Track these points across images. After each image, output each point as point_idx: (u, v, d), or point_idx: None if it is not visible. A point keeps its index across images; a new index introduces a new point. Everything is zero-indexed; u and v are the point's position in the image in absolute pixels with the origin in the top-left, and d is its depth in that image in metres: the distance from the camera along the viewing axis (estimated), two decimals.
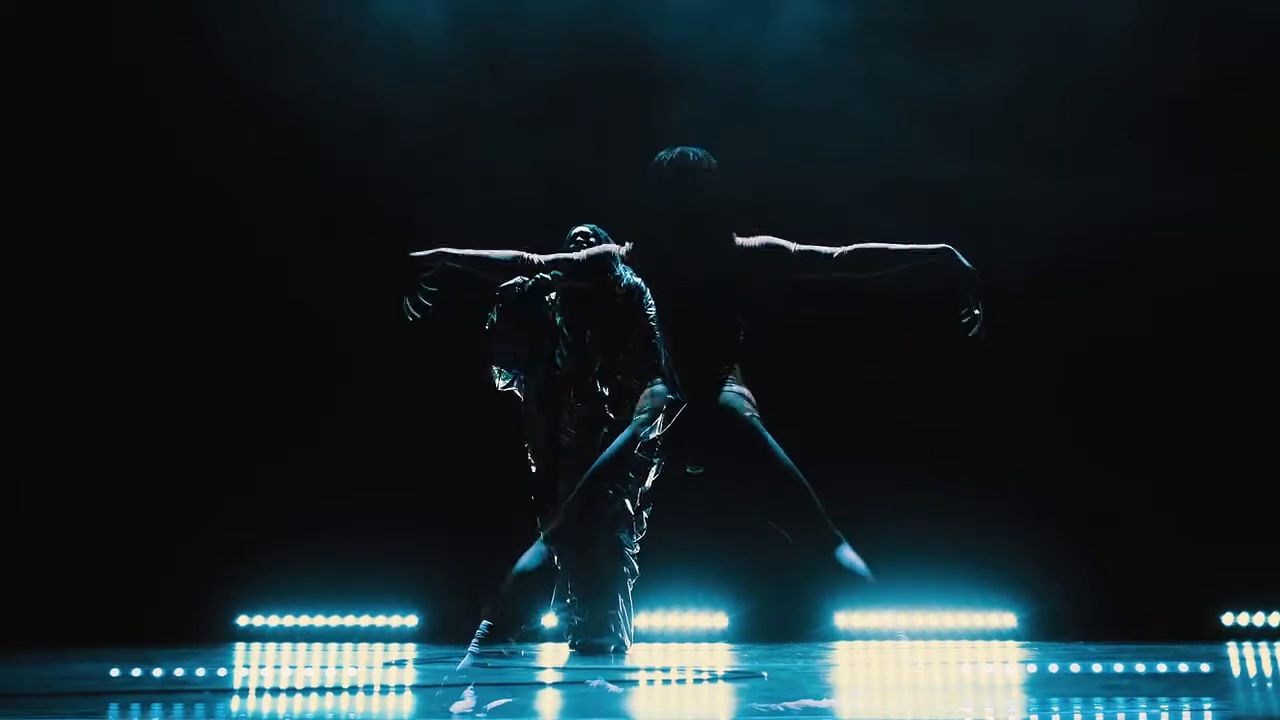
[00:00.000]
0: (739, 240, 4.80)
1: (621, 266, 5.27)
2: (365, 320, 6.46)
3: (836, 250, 4.77)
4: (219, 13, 6.74)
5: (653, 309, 5.16)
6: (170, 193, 6.71)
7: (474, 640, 4.95)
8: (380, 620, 6.52)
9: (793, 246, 4.82)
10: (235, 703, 3.35)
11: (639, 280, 5.20)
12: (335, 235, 6.63)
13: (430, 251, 4.57)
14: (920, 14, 6.60)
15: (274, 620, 6.54)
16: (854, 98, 6.51)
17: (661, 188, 4.71)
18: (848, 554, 4.48)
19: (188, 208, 6.71)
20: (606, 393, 5.22)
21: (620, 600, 5.07)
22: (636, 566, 5.14)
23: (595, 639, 5.02)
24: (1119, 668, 4.10)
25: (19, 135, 6.65)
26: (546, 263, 4.74)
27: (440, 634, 6.25)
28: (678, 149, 4.76)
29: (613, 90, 6.70)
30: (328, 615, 6.53)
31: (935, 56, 6.48)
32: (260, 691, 3.69)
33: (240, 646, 5.86)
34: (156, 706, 3.23)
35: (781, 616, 6.23)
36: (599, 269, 4.83)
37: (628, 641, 5.07)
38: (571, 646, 5.09)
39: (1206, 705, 3.07)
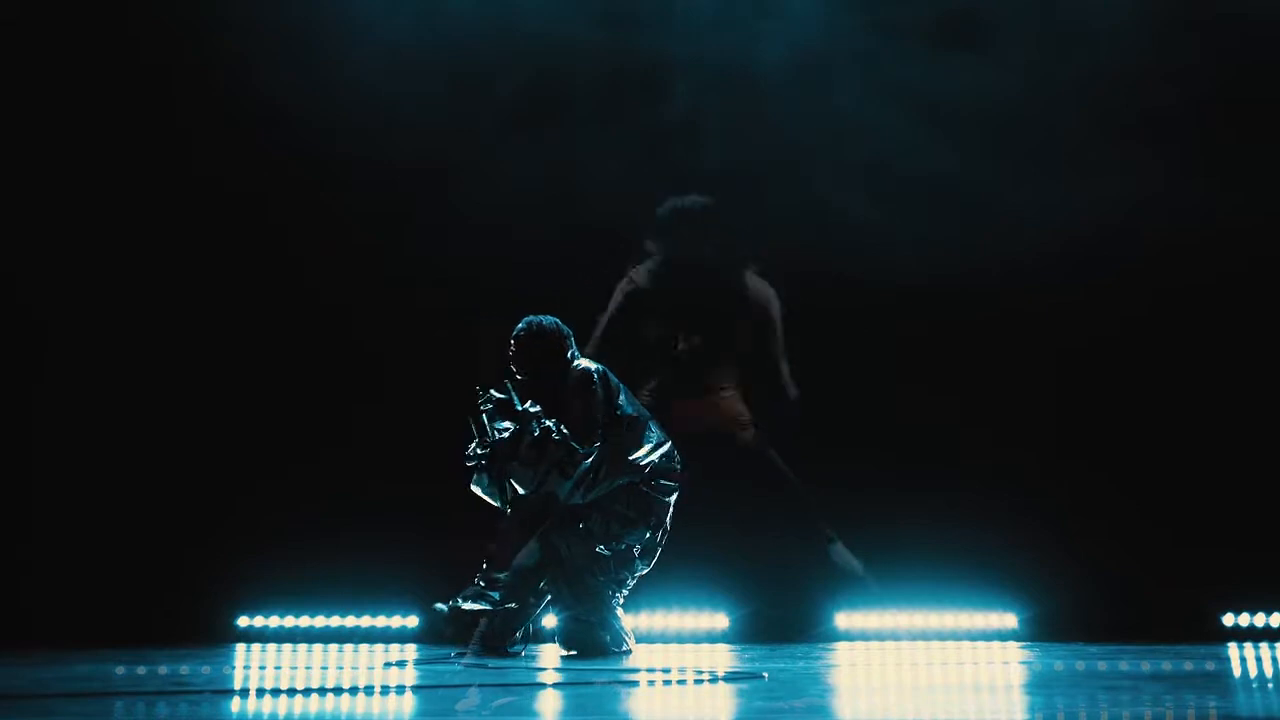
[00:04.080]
0: (748, 278, 4.87)
1: (574, 350, 5.18)
2: (364, 321, 6.47)
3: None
4: (216, 15, 6.74)
5: (621, 393, 5.09)
6: (170, 193, 6.71)
7: (473, 639, 4.94)
8: (380, 621, 6.52)
9: (778, 330, 5.04)
10: (236, 703, 3.34)
11: (591, 365, 5.13)
12: (351, 241, 6.61)
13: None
14: (920, 13, 6.60)
15: (274, 621, 6.53)
16: (854, 97, 6.51)
17: (670, 231, 4.78)
18: (840, 551, 4.52)
19: (187, 209, 6.70)
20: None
21: (604, 607, 4.99)
22: (626, 575, 5.05)
23: (581, 644, 4.95)
24: (1124, 665, 4.10)
25: (36, 139, 6.66)
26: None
27: (440, 634, 6.24)
28: (688, 198, 4.85)
29: (613, 91, 6.69)
30: (328, 616, 6.53)
31: (935, 56, 6.48)
32: (261, 692, 3.68)
33: (240, 647, 5.86)
34: (159, 706, 3.23)
35: (782, 617, 6.21)
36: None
37: (630, 644, 5.04)
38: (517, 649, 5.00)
39: (1211, 705, 3.07)
